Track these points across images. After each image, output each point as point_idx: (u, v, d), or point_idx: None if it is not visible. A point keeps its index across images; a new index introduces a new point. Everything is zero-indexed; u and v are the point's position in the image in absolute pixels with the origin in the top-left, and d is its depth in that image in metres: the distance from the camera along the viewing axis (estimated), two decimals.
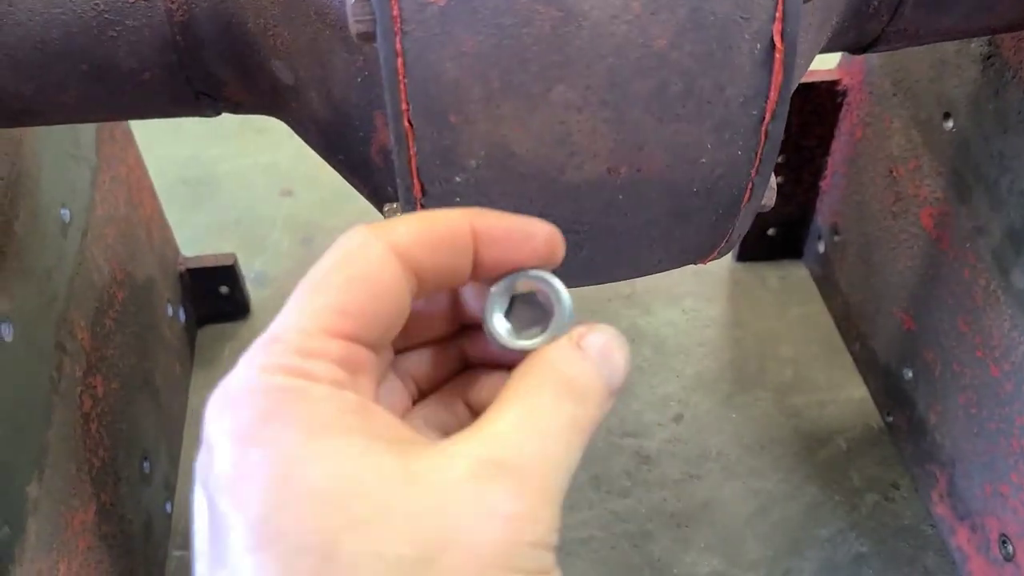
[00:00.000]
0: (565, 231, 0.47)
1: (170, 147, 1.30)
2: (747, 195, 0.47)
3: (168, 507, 0.92)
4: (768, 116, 0.44)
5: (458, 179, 0.44)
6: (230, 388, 0.29)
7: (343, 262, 0.30)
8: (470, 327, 0.37)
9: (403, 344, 0.36)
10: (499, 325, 0.33)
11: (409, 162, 0.44)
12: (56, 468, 0.67)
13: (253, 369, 0.29)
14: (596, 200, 0.46)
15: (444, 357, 0.37)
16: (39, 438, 0.65)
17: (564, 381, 0.31)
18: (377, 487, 0.27)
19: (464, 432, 0.29)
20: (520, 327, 0.34)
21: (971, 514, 0.84)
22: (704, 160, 0.45)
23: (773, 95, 0.43)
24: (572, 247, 0.49)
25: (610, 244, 0.49)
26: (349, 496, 0.26)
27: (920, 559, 0.89)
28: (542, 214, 0.46)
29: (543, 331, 0.33)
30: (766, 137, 0.45)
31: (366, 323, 0.30)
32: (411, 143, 0.43)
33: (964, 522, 0.85)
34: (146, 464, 0.86)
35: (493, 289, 0.33)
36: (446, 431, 0.35)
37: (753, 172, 0.46)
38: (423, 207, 0.46)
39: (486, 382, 0.36)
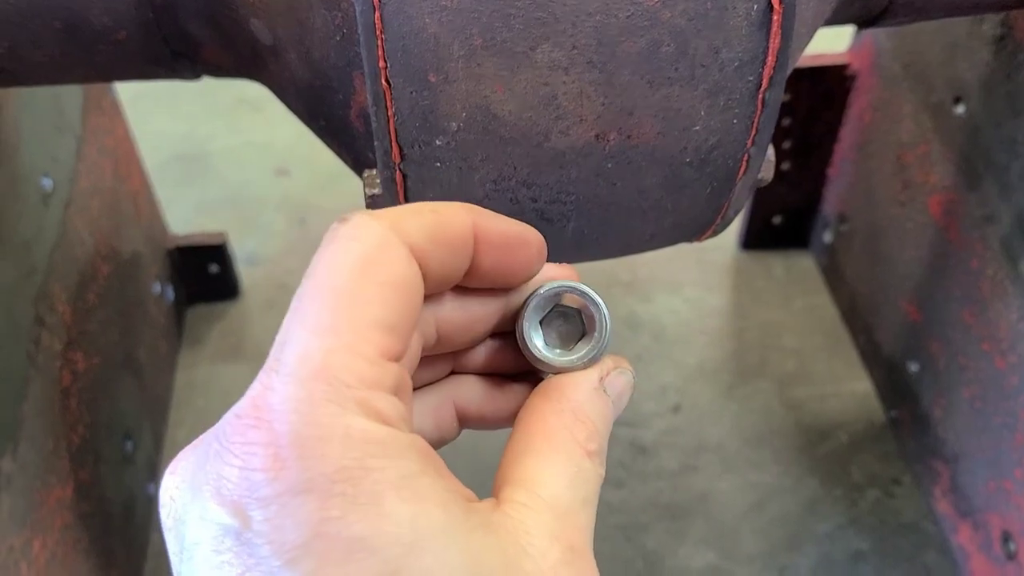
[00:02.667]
0: (551, 201, 0.46)
1: (163, 123, 1.28)
2: (743, 167, 0.45)
3: (151, 488, 0.90)
4: (765, 83, 0.42)
5: (438, 142, 0.42)
6: (287, 425, 0.23)
7: (372, 265, 0.25)
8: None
9: None
10: (536, 339, 0.32)
11: (387, 124, 0.42)
12: (31, 443, 0.65)
13: (318, 405, 0.23)
14: (584, 168, 0.43)
15: (437, 360, 0.34)
16: (14, 411, 0.63)
17: (595, 436, 0.30)
18: None
19: (518, 490, 0.27)
20: (551, 339, 0.33)
21: (973, 511, 0.81)
22: (697, 128, 0.43)
23: (771, 60, 0.41)
24: (559, 219, 0.47)
25: (599, 216, 0.47)
26: None
27: (920, 557, 0.87)
28: (527, 182, 0.44)
29: (577, 347, 0.32)
30: (763, 105, 0.42)
31: (406, 338, 0.26)
32: (389, 103, 0.41)
33: (966, 519, 0.83)
34: (128, 444, 0.84)
35: (531, 301, 0.32)
36: (427, 438, 0.32)
37: (749, 142, 0.44)
38: (402, 172, 0.44)
39: (478, 389, 0.34)
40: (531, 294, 0.32)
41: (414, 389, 0.32)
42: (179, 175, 1.24)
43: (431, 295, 0.29)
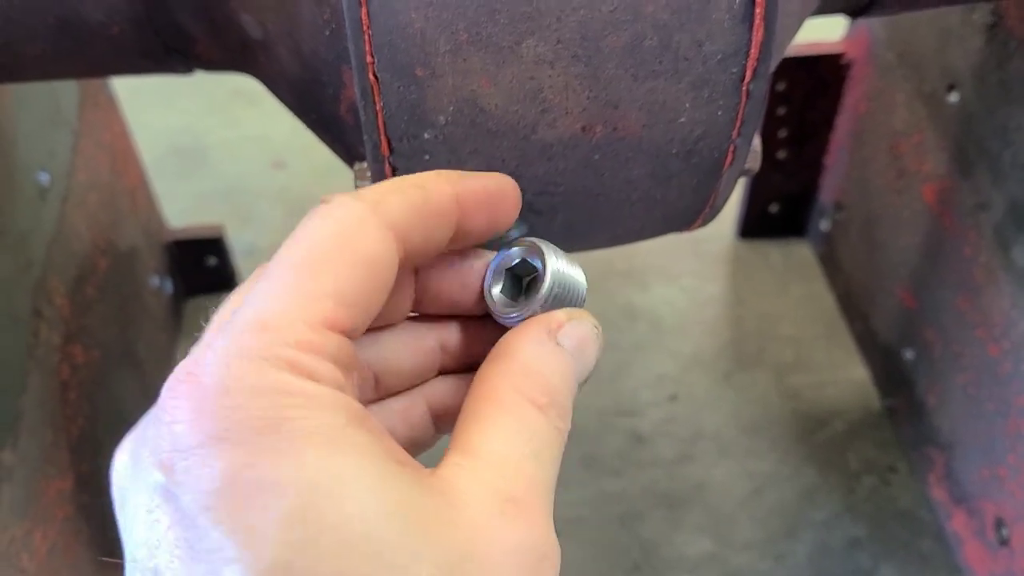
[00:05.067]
0: (540, 193, 0.46)
1: (160, 117, 1.28)
2: (729, 157, 0.46)
3: None
4: (749, 75, 0.42)
5: (427, 136, 0.43)
6: (213, 377, 0.23)
7: (342, 241, 0.26)
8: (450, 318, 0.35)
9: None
10: (493, 292, 0.33)
11: (376, 118, 0.42)
12: (31, 435, 0.66)
13: (247, 360, 0.23)
14: (571, 160, 0.44)
15: (417, 352, 0.34)
16: (13, 404, 0.64)
17: (546, 389, 0.29)
18: (406, 530, 0.23)
19: (458, 454, 0.27)
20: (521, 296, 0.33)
21: (968, 498, 0.82)
22: (683, 120, 0.43)
23: (754, 52, 0.41)
24: (548, 211, 0.47)
25: (587, 207, 0.47)
26: (379, 541, 0.23)
27: (916, 544, 0.88)
28: (515, 174, 0.45)
29: (529, 299, 0.33)
30: (747, 97, 0.43)
31: (363, 315, 0.27)
32: (377, 98, 0.41)
33: (961, 506, 0.83)
34: None
35: (493, 260, 0.33)
36: (398, 437, 0.32)
37: (734, 134, 0.44)
38: (391, 165, 0.44)
39: (451, 388, 0.34)
40: (497, 252, 0.34)
41: (389, 396, 0.33)
42: (176, 169, 1.24)
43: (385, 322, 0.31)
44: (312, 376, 0.24)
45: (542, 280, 0.32)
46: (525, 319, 0.32)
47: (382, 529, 0.23)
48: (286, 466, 0.22)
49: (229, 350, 0.24)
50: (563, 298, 0.32)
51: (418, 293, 0.33)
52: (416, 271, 0.32)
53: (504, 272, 0.34)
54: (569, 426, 0.29)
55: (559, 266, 0.33)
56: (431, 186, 0.29)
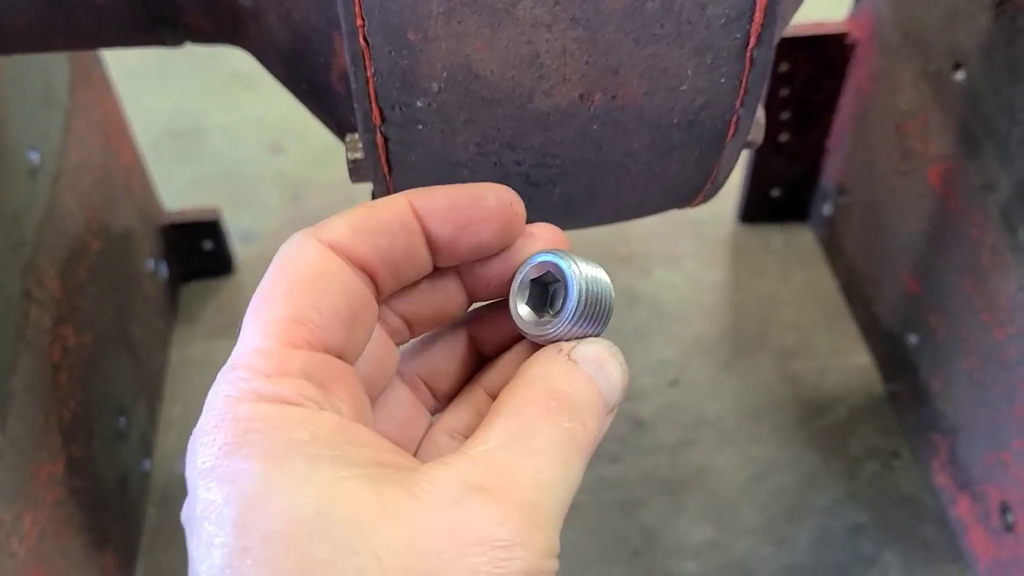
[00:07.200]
0: (536, 165, 0.45)
1: (156, 100, 1.27)
2: (732, 129, 0.44)
3: (146, 465, 0.90)
4: (753, 40, 0.41)
5: (419, 104, 0.41)
6: (199, 424, 0.27)
7: (282, 270, 0.29)
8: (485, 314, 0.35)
9: (408, 342, 0.35)
10: (519, 306, 0.33)
11: (366, 85, 0.41)
12: (22, 418, 0.65)
13: (219, 400, 0.27)
14: (568, 130, 0.43)
15: (457, 350, 0.35)
16: (2, 386, 0.63)
17: (557, 395, 0.29)
18: (343, 524, 0.24)
19: (451, 454, 0.28)
20: (550, 309, 0.33)
21: (972, 483, 0.81)
22: (684, 88, 0.42)
23: (758, 16, 0.40)
24: (545, 184, 0.46)
25: (585, 180, 0.46)
26: (310, 537, 0.24)
27: (919, 529, 0.87)
28: (511, 144, 0.44)
29: (555, 315, 0.32)
30: (751, 64, 0.41)
31: (323, 327, 0.29)
32: (368, 63, 0.40)
33: (965, 491, 0.82)
34: (122, 420, 0.84)
35: (519, 272, 0.33)
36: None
37: (737, 103, 0.43)
38: (383, 135, 0.43)
39: (503, 367, 0.34)
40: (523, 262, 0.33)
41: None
42: (173, 152, 1.23)
43: (403, 286, 0.32)
44: (278, 399, 0.27)
45: (564, 303, 0.31)
46: (558, 334, 0.32)
47: (317, 527, 0.24)
48: (232, 483, 0.25)
49: (212, 395, 0.27)
50: (593, 303, 0.32)
51: (471, 291, 0.34)
52: (460, 273, 0.34)
53: (529, 285, 0.33)
54: (592, 433, 0.29)
55: (583, 272, 0.32)
56: (377, 202, 0.30)
